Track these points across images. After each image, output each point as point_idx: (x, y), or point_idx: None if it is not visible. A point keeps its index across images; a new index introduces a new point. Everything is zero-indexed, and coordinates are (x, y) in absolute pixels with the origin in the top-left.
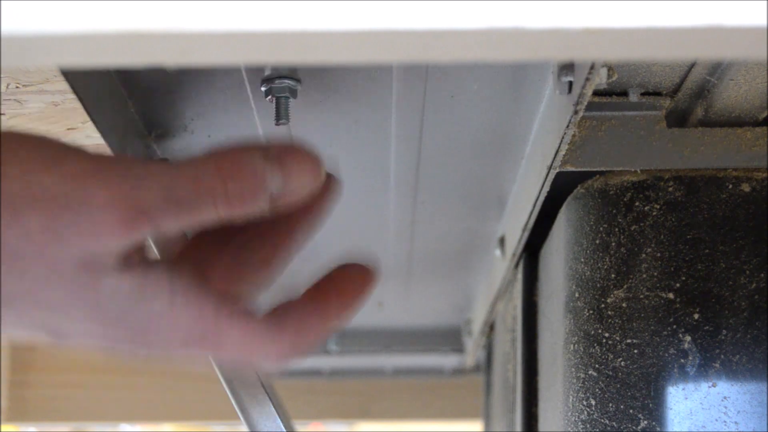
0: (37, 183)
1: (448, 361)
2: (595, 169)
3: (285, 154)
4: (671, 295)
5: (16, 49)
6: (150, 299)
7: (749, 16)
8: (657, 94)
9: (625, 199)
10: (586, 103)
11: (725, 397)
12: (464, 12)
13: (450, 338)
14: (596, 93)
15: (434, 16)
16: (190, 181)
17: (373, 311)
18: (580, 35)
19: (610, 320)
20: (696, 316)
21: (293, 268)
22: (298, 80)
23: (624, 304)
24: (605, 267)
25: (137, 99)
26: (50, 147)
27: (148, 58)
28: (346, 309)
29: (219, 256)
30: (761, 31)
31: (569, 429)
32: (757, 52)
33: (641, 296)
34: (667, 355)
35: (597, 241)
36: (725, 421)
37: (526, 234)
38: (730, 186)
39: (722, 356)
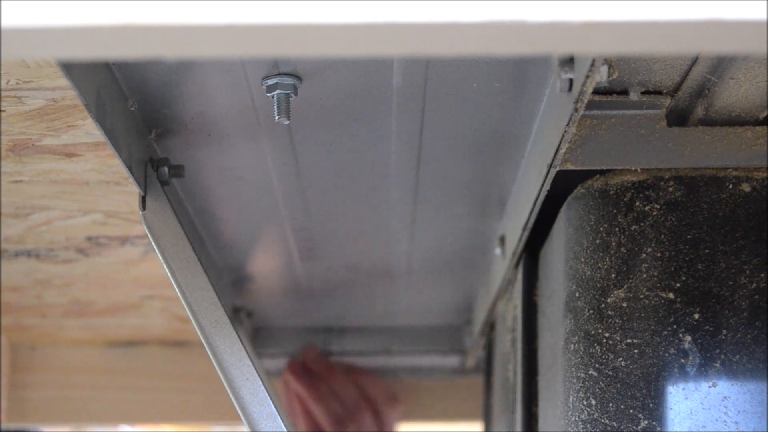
0: None
1: (448, 361)
2: (595, 168)
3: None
4: (671, 295)
5: (16, 42)
6: None
7: (749, 10)
8: (657, 92)
9: (625, 199)
10: (586, 101)
11: (725, 397)
12: (465, 5)
13: (450, 338)
14: (597, 91)
15: (435, 9)
16: None
17: (373, 311)
18: (580, 29)
19: (610, 320)
20: (696, 315)
21: (294, 268)
22: (298, 77)
23: (624, 304)
24: (605, 267)
25: (137, 97)
26: None
27: (148, 51)
28: None
29: None
30: (761, 25)
31: (569, 429)
32: (757, 46)
33: (641, 296)
34: (667, 354)
35: (597, 241)
36: (725, 421)
37: (527, 233)
38: (731, 186)
39: (722, 356)
